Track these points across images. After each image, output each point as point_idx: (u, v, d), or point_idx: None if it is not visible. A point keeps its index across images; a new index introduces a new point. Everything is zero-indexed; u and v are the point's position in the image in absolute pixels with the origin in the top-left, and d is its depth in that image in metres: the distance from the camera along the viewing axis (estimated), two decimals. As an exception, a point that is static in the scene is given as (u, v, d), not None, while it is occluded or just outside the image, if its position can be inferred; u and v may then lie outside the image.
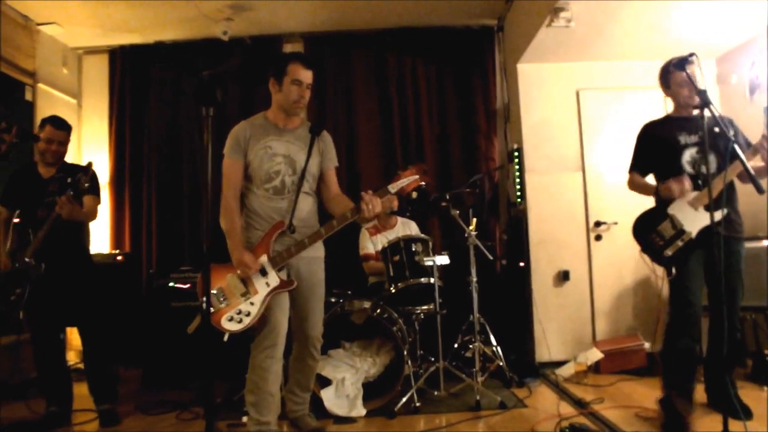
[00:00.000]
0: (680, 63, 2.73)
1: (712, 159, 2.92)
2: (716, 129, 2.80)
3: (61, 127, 3.42)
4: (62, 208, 3.08)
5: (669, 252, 2.94)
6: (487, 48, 5.28)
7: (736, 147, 2.63)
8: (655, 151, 3.13)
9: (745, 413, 2.82)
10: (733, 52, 4.61)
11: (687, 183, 2.90)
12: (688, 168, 3.00)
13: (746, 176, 2.70)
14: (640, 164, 3.23)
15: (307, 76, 2.79)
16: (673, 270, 2.96)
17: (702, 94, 2.53)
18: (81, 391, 3.52)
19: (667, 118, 3.18)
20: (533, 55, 4.58)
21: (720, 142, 2.82)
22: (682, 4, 3.76)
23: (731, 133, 2.71)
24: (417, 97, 5.24)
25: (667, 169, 3.06)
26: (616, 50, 4.45)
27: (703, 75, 2.68)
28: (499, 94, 5.25)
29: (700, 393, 3.05)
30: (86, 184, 3.11)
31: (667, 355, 3.01)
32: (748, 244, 3.88)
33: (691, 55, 2.66)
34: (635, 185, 3.23)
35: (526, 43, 4.44)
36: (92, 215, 3.46)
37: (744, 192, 3.02)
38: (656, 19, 3.92)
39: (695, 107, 2.94)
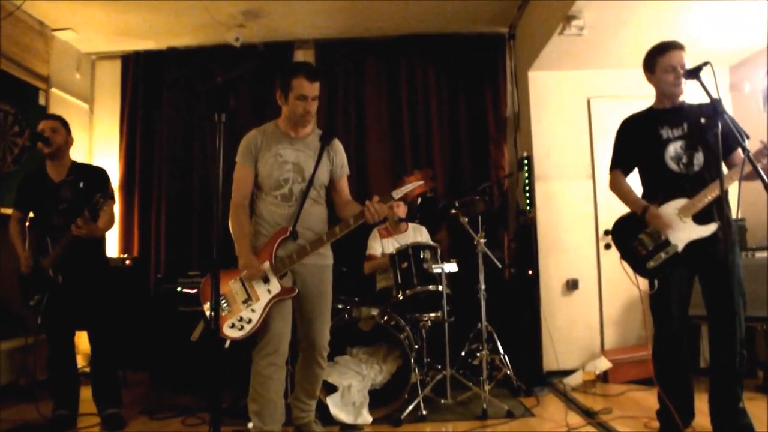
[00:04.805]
0: (693, 71, 2.65)
1: (700, 155, 2.74)
2: (702, 120, 2.64)
3: (50, 118, 3.49)
4: (79, 231, 3.14)
5: (652, 264, 2.75)
6: (498, 55, 5.28)
7: (744, 150, 2.44)
8: (636, 148, 2.93)
9: None
10: (746, 61, 4.58)
11: (669, 230, 2.73)
12: (672, 165, 2.78)
13: (755, 176, 2.46)
14: (621, 162, 3.02)
15: (312, 89, 2.75)
16: (656, 283, 2.79)
17: (716, 103, 2.48)
18: (85, 395, 3.52)
19: (648, 111, 2.97)
20: (544, 62, 4.57)
21: (709, 134, 2.61)
22: (695, 12, 3.75)
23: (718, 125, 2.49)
24: (427, 103, 5.24)
25: (650, 167, 2.90)
26: (628, 58, 4.41)
27: (717, 83, 2.59)
28: (510, 102, 5.25)
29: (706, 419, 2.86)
30: (104, 207, 3.15)
31: (656, 369, 2.90)
32: (761, 254, 3.85)
33: (705, 63, 2.57)
34: (619, 190, 3.00)
35: (538, 51, 4.43)
36: (111, 223, 3.50)
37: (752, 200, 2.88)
38: (669, 27, 3.89)
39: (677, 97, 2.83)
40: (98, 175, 3.50)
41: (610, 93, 4.71)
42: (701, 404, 2.85)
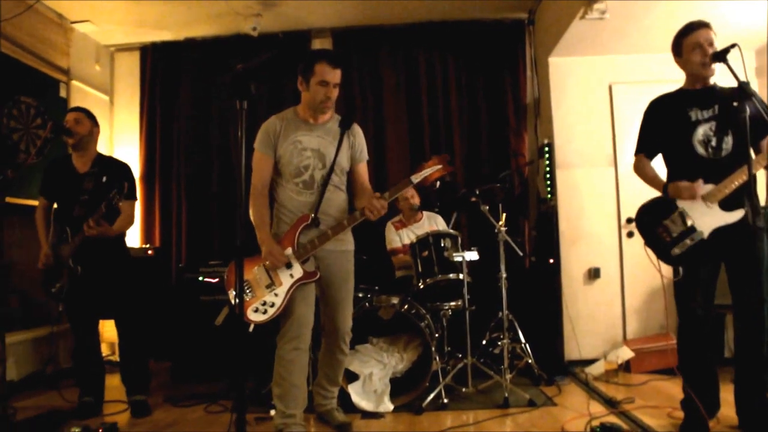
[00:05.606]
0: (720, 54, 2.59)
1: (729, 139, 2.67)
2: (735, 103, 2.59)
3: (73, 110, 3.53)
4: (90, 232, 3.15)
5: (676, 251, 2.68)
6: (518, 42, 5.22)
7: None
8: (663, 130, 2.85)
9: None
10: (773, 44, 4.46)
11: (699, 191, 2.66)
12: (700, 149, 2.70)
13: None
14: (647, 145, 2.94)
15: (334, 75, 2.76)
16: (680, 270, 2.73)
17: (744, 85, 2.42)
18: (111, 382, 3.57)
19: (678, 92, 2.88)
20: (565, 48, 4.49)
21: (739, 118, 2.50)
22: (720, -6, 3.66)
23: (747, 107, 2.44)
24: (446, 92, 5.20)
25: (676, 150, 2.81)
26: (651, 43, 4.33)
27: (745, 66, 2.47)
28: (530, 89, 5.19)
29: (730, 409, 2.81)
30: (120, 201, 3.15)
31: (681, 358, 2.87)
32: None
33: (733, 45, 2.50)
34: (642, 172, 2.94)
35: (558, 37, 4.35)
36: (128, 224, 3.51)
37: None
38: (692, 10, 3.79)
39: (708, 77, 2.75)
40: (122, 170, 3.49)
41: (632, 79, 4.62)
42: (726, 394, 2.81)
